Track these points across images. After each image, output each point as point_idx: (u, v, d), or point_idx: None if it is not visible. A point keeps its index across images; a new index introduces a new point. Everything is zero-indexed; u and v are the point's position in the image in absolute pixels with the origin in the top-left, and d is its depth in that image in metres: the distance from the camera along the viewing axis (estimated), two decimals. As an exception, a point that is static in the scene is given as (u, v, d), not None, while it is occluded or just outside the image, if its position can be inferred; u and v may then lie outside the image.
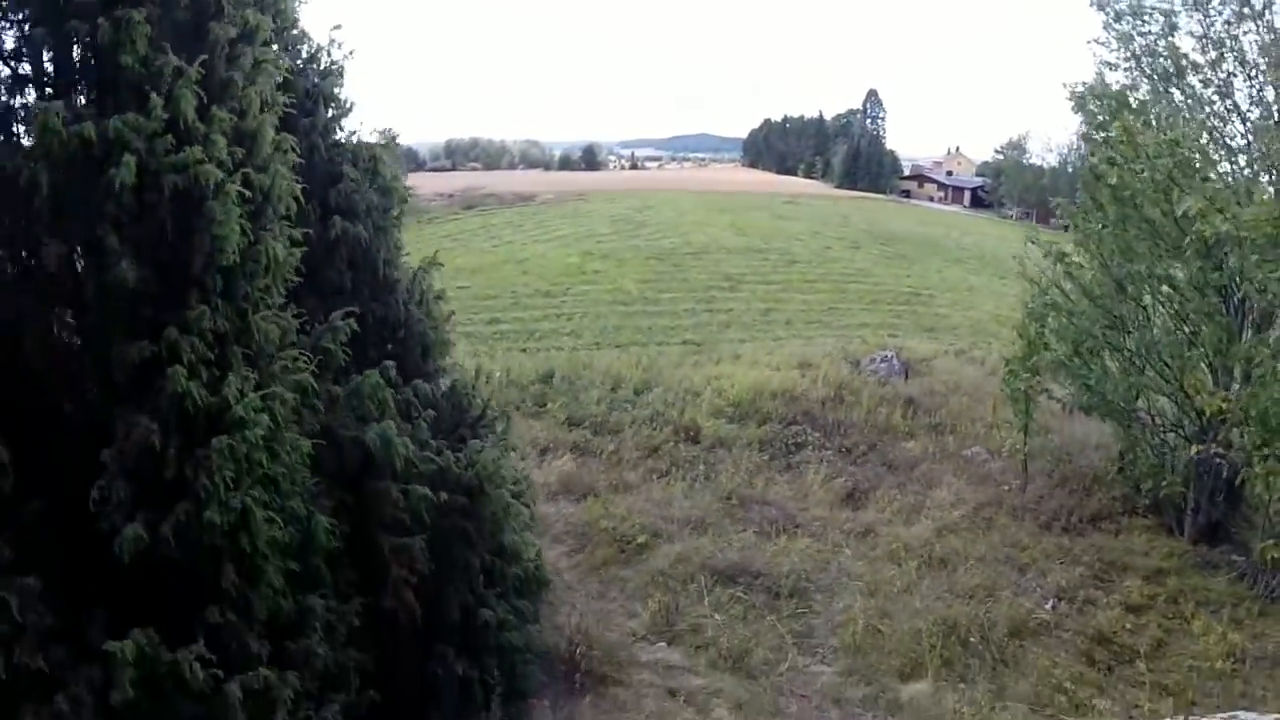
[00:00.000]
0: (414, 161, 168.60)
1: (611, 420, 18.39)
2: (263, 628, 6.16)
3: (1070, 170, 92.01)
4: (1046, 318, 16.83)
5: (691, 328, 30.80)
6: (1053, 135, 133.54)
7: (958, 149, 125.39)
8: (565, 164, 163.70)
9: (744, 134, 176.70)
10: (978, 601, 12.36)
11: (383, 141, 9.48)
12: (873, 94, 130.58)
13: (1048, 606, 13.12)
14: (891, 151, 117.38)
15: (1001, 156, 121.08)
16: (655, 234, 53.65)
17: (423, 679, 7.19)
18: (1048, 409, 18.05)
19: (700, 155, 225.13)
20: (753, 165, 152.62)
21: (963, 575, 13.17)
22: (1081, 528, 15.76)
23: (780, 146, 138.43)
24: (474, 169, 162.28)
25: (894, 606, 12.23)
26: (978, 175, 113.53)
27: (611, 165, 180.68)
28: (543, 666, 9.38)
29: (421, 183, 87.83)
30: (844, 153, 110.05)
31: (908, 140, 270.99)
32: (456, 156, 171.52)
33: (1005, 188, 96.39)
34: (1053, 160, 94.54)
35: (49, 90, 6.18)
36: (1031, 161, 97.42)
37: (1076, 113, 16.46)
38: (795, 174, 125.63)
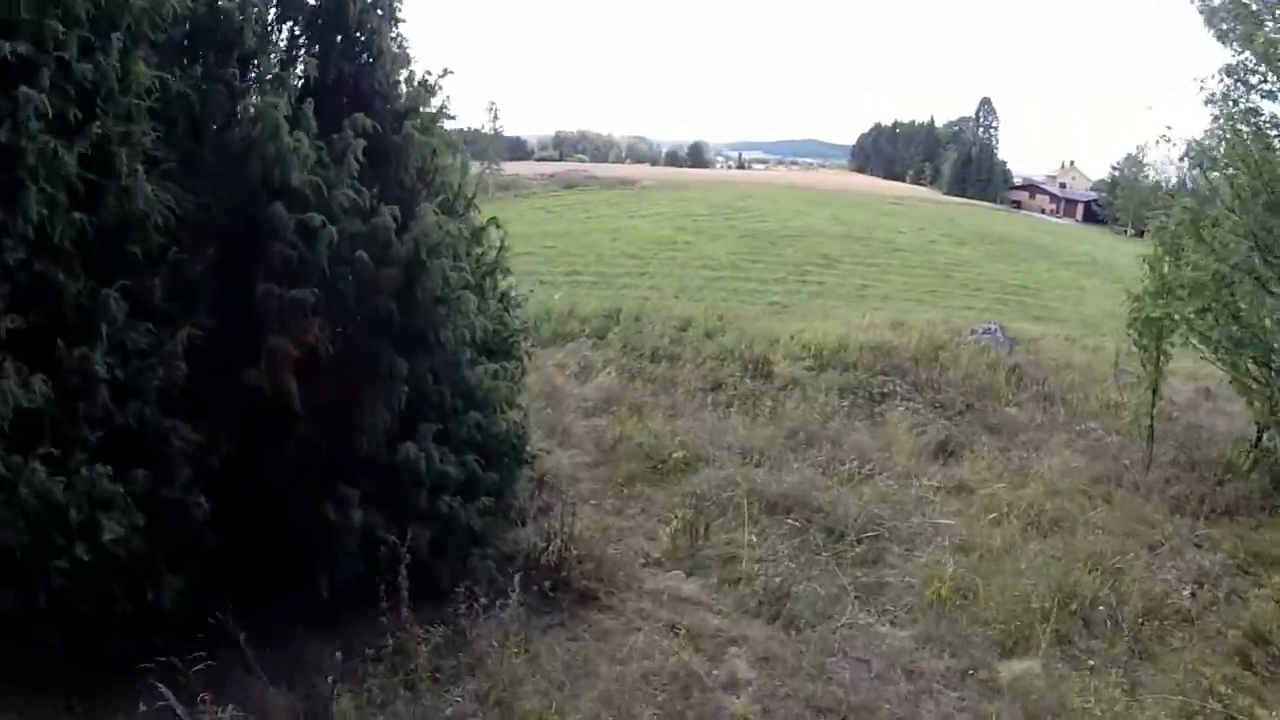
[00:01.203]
0: (521, 150, 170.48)
1: (673, 351, 16.04)
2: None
3: (1189, 185, 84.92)
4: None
5: (780, 294, 28.17)
6: (1174, 150, 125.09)
7: (1072, 163, 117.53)
8: (672, 160, 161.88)
9: (852, 141, 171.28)
10: (1102, 573, 9.46)
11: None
12: (986, 102, 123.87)
13: (1186, 592, 10.14)
14: (1002, 161, 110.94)
15: (1118, 172, 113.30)
16: (753, 219, 50.89)
17: (308, 528, 5.02)
18: (1169, 396, 14.96)
19: (808, 160, 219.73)
20: (860, 170, 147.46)
21: (1080, 541, 10.28)
22: (1215, 517, 12.63)
23: (889, 151, 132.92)
24: (580, 160, 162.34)
25: (993, 568, 9.44)
26: (1092, 190, 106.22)
27: (718, 165, 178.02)
28: (509, 567, 7.09)
29: (525, 169, 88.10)
30: (954, 160, 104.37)
31: (1020, 153, 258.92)
32: (564, 148, 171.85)
33: (1121, 203, 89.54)
34: (1173, 175, 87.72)
35: None
36: (1151, 177, 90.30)
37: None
38: (903, 180, 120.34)
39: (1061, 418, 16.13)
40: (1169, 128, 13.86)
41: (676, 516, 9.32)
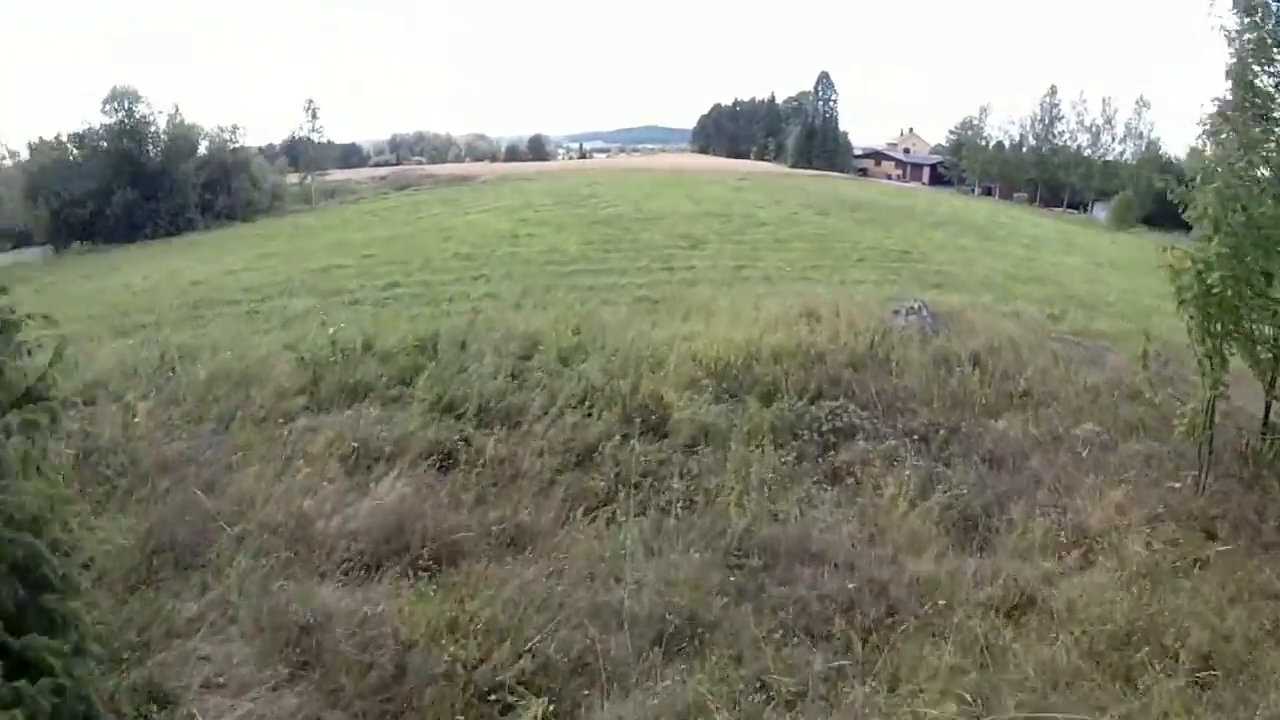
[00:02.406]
0: (357, 156, 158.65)
1: (515, 402, 10.16)
2: None
3: (1034, 143, 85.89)
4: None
5: (647, 285, 22.74)
6: (1016, 109, 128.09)
7: (911, 130, 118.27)
8: (512, 155, 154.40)
9: (692, 124, 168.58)
10: None
11: None
12: (824, 76, 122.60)
13: None
14: (845, 132, 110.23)
15: (956, 136, 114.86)
16: (602, 204, 45.45)
17: None
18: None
19: (650, 145, 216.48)
20: (703, 151, 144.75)
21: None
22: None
23: (731, 130, 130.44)
24: (418, 162, 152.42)
25: None
26: (934, 154, 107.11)
27: (560, 156, 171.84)
28: None
29: (357, 174, 79.28)
30: (797, 133, 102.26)
31: (859, 124, 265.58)
32: (401, 150, 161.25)
33: (966, 163, 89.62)
34: (1015, 134, 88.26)
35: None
36: (992, 137, 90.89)
37: None
38: (747, 157, 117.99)
39: (1056, 425, 11.50)
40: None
41: None
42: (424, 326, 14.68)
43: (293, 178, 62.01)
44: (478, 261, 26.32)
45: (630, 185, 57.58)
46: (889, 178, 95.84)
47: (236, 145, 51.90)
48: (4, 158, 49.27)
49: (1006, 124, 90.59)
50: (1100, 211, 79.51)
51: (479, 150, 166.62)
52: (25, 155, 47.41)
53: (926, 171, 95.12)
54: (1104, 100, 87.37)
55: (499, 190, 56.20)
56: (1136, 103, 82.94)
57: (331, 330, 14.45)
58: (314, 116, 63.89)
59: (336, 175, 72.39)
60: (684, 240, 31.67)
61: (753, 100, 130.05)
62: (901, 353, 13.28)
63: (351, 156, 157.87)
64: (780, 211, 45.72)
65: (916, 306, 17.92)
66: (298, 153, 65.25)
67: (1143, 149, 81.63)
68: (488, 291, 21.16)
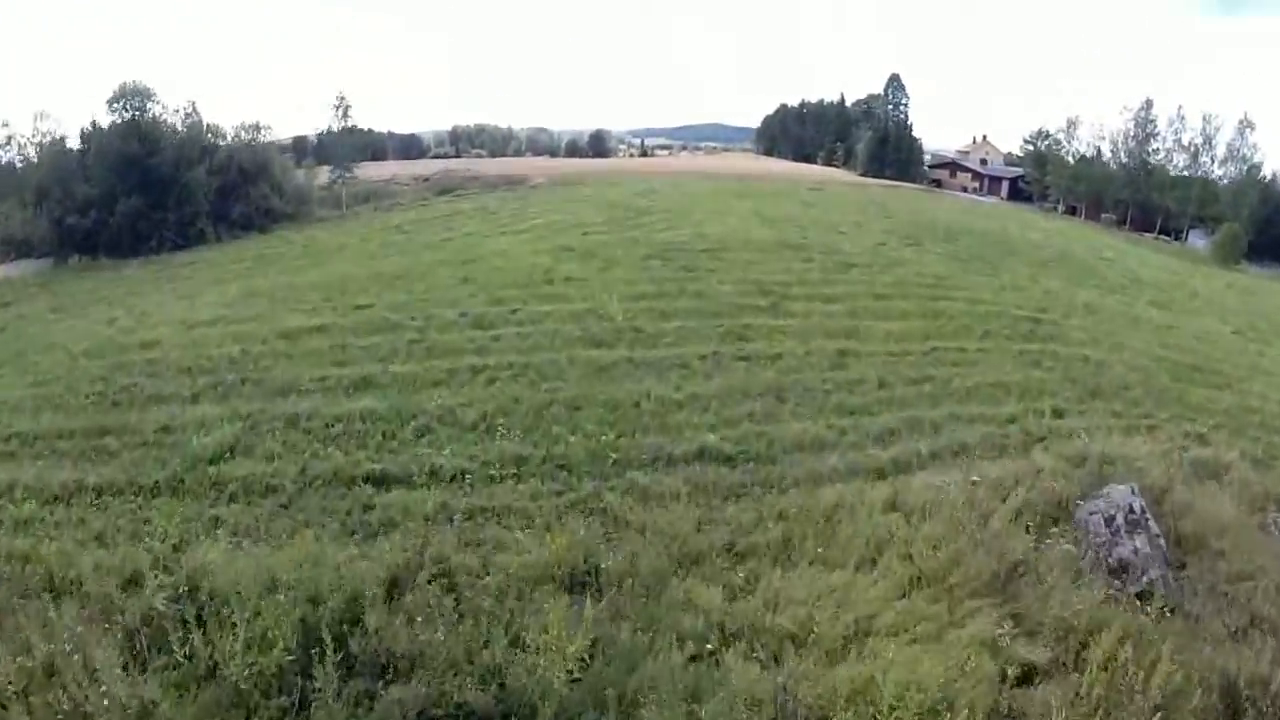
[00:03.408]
0: (416, 148, 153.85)
1: None
2: None
3: (1125, 160, 75.66)
4: None
5: (718, 399, 15.73)
6: (1105, 122, 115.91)
7: (984, 138, 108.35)
8: (572, 151, 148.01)
9: (756, 124, 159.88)
10: None
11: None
12: (895, 79, 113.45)
13: None
14: (919, 139, 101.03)
15: (1032, 146, 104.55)
16: (659, 222, 38.61)
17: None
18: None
19: (713, 144, 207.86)
20: (768, 153, 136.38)
21: None
22: None
23: (798, 132, 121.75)
24: (478, 155, 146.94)
25: None
26: (1009, 165, 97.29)
27: (621, 153, 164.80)
28: None
29: (404, 169, 72.98)
30: (868, 139, 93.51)
31: (930, 129, 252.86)
32: (461, 143, 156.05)
33: (1051, 178, 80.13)
34: (1104, 149, 78.41)
35: None
36: (1080, 151, 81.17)
37: None
38: (814, 161, 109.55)
39: None
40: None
41: None
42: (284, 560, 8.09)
43: (324, 176, 55.87)
44: (489, 331, 19.68)
45: (692, 195, 50.57)
46: (964, 190, 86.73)
47: (257, 144, 46.25)
48: (17, 158, 44.00)
49: (1095, 138, 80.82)
50: (1197, 238, 70.27)
51: (539, 144, 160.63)
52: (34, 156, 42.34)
53: (1005, 185, 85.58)
54: (1204, 118, 77.01)
55: (548, 198, 49.66)
56: (1240, 123, 72.89)
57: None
58: (344, 114, 57.20)
59: (378, 171, 66.32)
60: (761, 294, 24.70)
61: (821, 102, 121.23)
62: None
63: (411, 148, 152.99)
64: (865, 240, 38.41)
65: (1125, 500, 10.71)
66: (328, 151, 58.98)
67: (1243, 172, 71.72)
68: (476, 421, 14.38)
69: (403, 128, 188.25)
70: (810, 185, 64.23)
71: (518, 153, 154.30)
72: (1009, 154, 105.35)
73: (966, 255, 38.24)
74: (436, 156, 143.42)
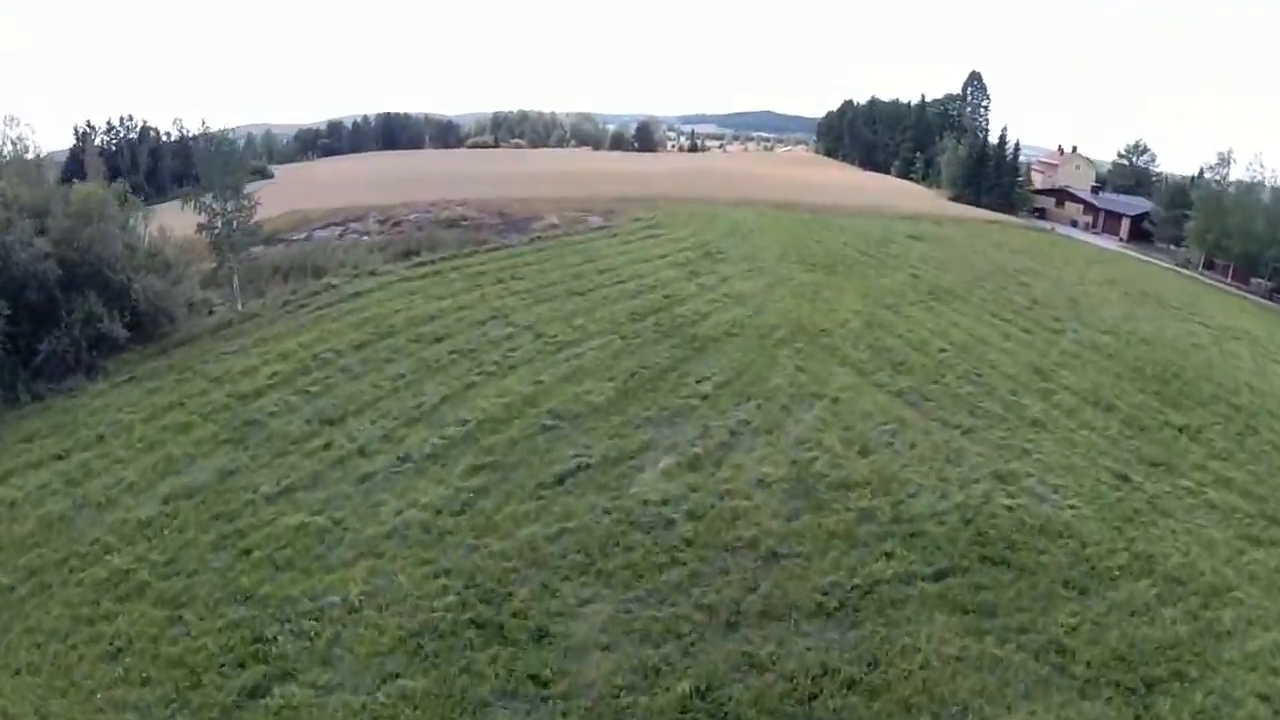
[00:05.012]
0: (454, 135, 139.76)
1: None
2: None
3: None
4: None
5: None
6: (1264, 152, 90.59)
7: (1074, 149, 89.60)
8: (617, 143, 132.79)
9: (809, 112, 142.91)
10: None
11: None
12: (975, 77, 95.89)
13: None
14: (1026, 163, 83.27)
15: (1127, 162, 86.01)
16: (706, 328, 25.12)
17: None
18: None
19: (764, 135, 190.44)
20: (830, 153, 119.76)
21: None
22: None
23: (868, 136, 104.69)
24: (517, 145, 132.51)
25: None
26: (1116, 190, 78.87)
27: (670, 145, 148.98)
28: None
29: (349, 201, 57.95)
30: (958, 153, 76.48)
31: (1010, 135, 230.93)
32: (501, 131, 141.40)
33: (1197, 224, 57.35)
34: (1264, 195, 56.72)
35: None
36: (1229, 192, 59.26)
37: None
38: (888, 171, 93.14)
39: None
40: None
41: None
42: None
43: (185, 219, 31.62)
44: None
45: (759, 264, 36.14)
46: (1074, 224, 69.78)
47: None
48: None
49: (1252, 172, 56.65)
50: None
51: (584, 133, 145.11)
52: None
53: (1126, 224, 67.81)
54: None
55: (551, 264, 34.66)
56: None
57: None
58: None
59: (324, 200, 45.10)
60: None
61: (895, 102, 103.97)
62: None
63: (448, 135, 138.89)
64: (1035, 378, 24.24)
65: None
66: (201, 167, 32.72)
67: None
68: None
69: (439, 110, 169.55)
70: (908, 231, 48.97)
71: (560, 142, 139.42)
72: (1100, 170, 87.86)
73: (1194, 424, 23.47)
74: (475, 145, 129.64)
